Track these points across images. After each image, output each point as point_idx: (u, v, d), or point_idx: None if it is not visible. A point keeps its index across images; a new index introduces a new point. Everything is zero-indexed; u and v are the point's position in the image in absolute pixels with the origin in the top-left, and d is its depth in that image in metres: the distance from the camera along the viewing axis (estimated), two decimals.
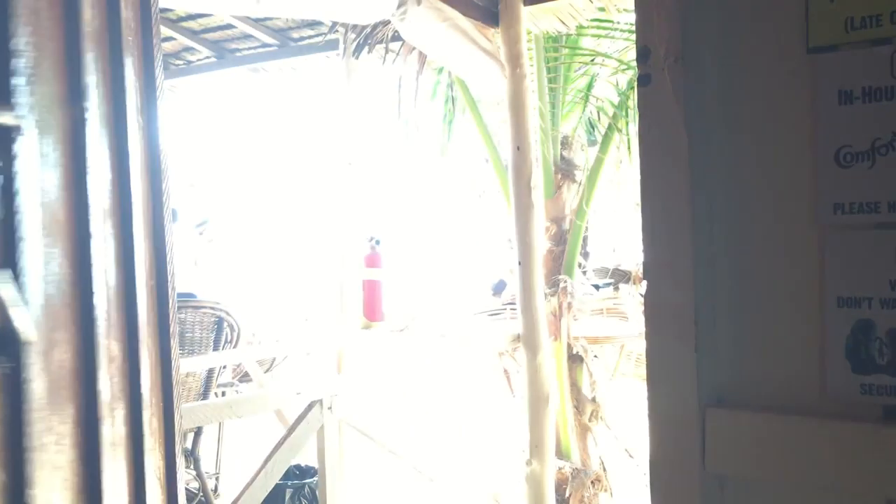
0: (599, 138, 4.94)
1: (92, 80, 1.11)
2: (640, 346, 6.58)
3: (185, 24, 3.85)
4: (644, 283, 0.84)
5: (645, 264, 0.83)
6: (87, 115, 1.11)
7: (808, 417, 0.74)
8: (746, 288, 0.77)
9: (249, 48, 4.10)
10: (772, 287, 0.75)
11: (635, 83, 4.40)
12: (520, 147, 3.19)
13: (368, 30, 3.30)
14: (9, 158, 1.05)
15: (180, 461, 1.20)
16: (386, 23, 2.99)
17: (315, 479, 3.34)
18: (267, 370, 7.80)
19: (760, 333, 0.76)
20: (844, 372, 0.71)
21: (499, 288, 10.39)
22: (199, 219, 8.37)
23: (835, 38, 0.70)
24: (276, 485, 2.84)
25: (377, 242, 4.09)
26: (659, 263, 0.82)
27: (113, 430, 1.06)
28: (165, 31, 3.80)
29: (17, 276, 1.02)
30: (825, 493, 0.73)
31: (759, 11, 0.75)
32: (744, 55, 0.76)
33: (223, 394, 4.16)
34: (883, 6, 0.67)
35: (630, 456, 5.83)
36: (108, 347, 1.09)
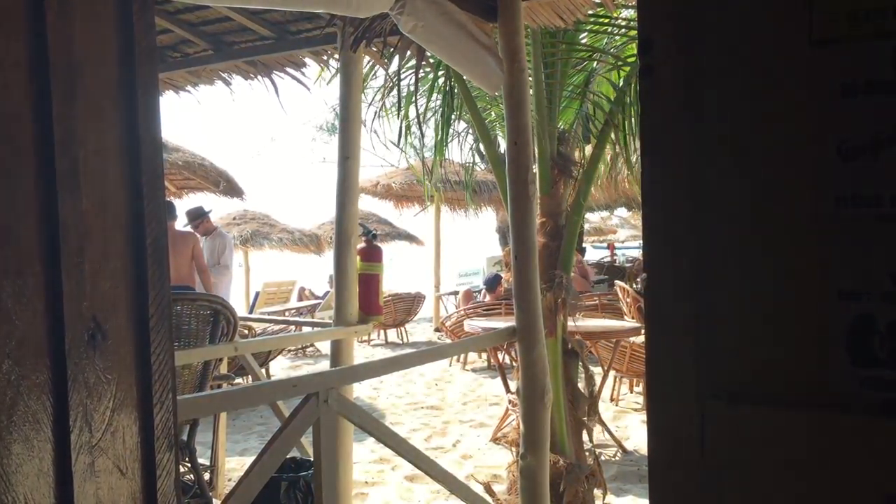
0: (596, 134, 4.95)
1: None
2: (634, 341, 6.61)
3: (182, 16, 3.84)
4: (644, 277, 0.84)
5: (645, 258, 0.83)
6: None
7: (807, 411, 0.74)
8: (747, 281, 0.77)
9: (247, 41, 4.09)
10: (772, 280, 0.75)
11: (633, 79, 4.42)
12: (517, 142, 3.19)
13: (367, 23, 3.30)
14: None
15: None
16: (384, 16, 2.98)
17: (310, 472, 3.35)
18: (263, 363, 7.81)
19: (760, 327, 0.76)
20: (845, 365, 0.71)
21: (493, 283, 10.42)
22: (195, 212, 8.31)
23: (838, 31, 0.70)
24: (272, 478, 2.85)
25: (373, 236, 4.08)
26: (659, 257, 0.82)
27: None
28: (163, 23, 3.80)
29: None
30: (824, 488, 0.73)
31: (762, 3, 0.76)
32: (746, 47, 0.76)
33: (219, 386, 4.16)
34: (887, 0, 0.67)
35: (624, 451, 5.86)
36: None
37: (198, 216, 8.22)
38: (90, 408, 1.02)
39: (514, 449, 4.18)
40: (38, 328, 0.96)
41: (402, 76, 4.70)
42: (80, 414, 1.00)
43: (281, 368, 10.30)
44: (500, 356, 7.13)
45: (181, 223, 7.88)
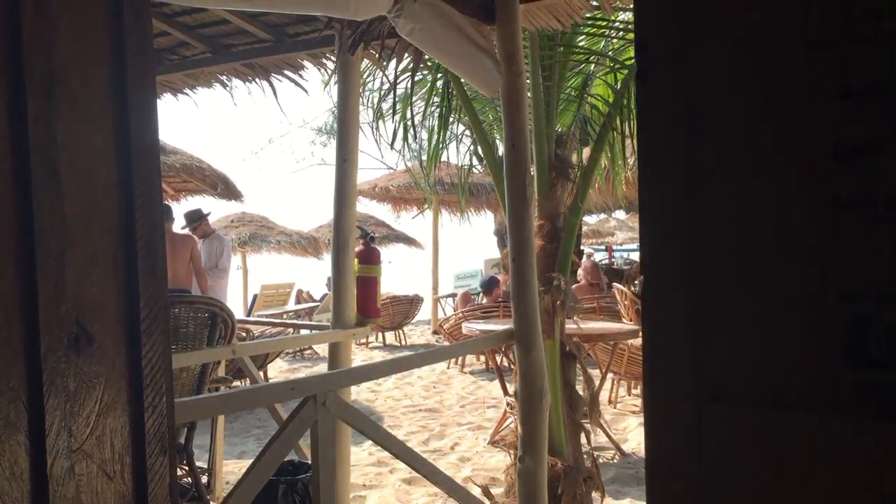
0: (594, 137, 4.96)
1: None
2: (632, 343, 6.61)
3: (180, 18, 3.84)
4: (642, 279, 0.84)
5: (643, 260, 0.83)
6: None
7: (805, 413, 0.74)
8: (745, 283, 0.77)
9: (244, 44, 4.09)
10: (770, 282, 0.75)
11: (631, 82, 4.42)
12: (515, 144, 3.19)
13: (364, 26, 3.30)
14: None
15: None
16: (382, 19, 2.98)
17: (308, 475, 3.34)
18: (261, 366, 7.80)
19: (758, 328, 0.76)
20: (842, 367, 0.71)
21: (489, 285, 10.42)
22: (193, 214, 8.30)
23: (835, 32, 0.70)
24: (269, 481, 2.84)
25: (371, 238, 4.08)
26: (657, 259, 0.82)
27: None
28: (160, 25, 3.79)
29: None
30: (822, 490, 0.73)
31: (758, 5, 0.76)
32: (743, 50, 0.76)
33: (217, 389, 4.16)
34: (884, 0, 0.67)
35: (622, 453, 5.86)
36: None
37: (196, 219, 8.21)
38: (72, 411, 1.01)
39: (511, 451, 4.17)
40: (12, 332, 0.95)
41: (400, 79, 4.71)
42: (57, 418, 0.99)
43: (279, 371, 10.29)
44: (497, 358, 7.13)
45: (178, 225, 7.88)
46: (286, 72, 4.22)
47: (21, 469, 0.96)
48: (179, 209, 9.21)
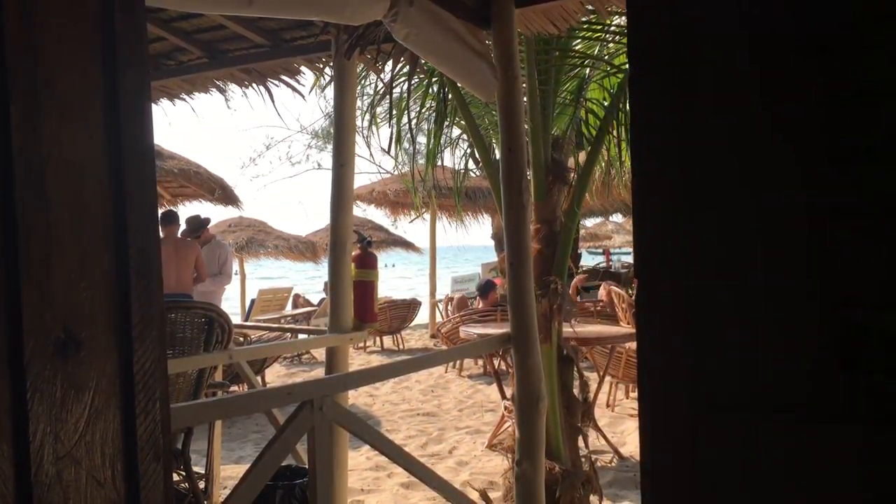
0: (590, 140, 4.96)
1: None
2: (629, 347, 6.61)
3: (176, 24, 3.84)
4: (637, 284, 0.84)
5: (638, 265, 0.83)
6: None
7: (802, 420, 0.74)
8: (742, 289, 0.77)
9: (241, 49, 4.09)
10: (767, 289, 0.75)
11: (626, 86, 4.42)
12: (511, 148, 3.19)
13: (361, 31, 3.30)
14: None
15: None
16: (378, 24, 2.98)
17: (306, 480, 3.34)
18: (258, 371, 7.79)
19: (755, 335, 0.76)
20: (839, 375, 0.71)
21: (486, 289, 10.42)
22: (196, 222, 8.30)
23: (833, 38, 0.70)
24: (267, 486, 2.84)
25: (368, 243, 4.08)
26: (653, 264, 0.82)
27: None
28: (157, 31, 3.79)
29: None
30: (817, 495, 0.73)
31: (754, 13, 0.75)
32: (737, 55, 0.76)
33: (214, 394, 4.15)
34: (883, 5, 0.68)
35: (620, 457, 5.85)
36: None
37: (199, 227, 8.23)
38: (59, 417, 1.01)
39: (509, 455, 4.17)
40: None
41: (396, 83, 4.71)
42: (42, 424, 0.99)
43: (276, 376, 10.27)
44: (495, 362, 7.12)
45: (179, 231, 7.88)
46: (283, 77, 4.22)
47: (5, 476, 0.95)
48: (178, 215, 9.20)
